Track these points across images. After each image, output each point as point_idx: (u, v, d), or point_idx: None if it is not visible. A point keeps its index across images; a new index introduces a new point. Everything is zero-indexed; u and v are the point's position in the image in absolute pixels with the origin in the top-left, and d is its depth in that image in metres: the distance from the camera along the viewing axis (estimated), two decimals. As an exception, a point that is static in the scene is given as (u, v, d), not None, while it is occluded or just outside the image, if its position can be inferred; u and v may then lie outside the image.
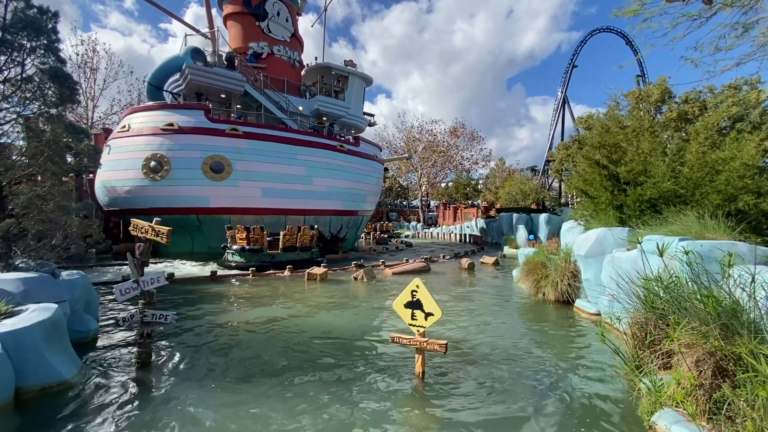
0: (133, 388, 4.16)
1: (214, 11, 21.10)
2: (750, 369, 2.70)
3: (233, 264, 13.85)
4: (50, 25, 6.98)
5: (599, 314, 7.07)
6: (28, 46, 6.81)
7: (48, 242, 7.13)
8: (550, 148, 49.09)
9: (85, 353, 5.14)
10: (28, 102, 7.07)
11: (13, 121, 7.17)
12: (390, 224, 24.24)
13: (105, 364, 4.83)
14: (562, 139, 44.10)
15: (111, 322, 6.78)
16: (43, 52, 6.92)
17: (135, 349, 4.80)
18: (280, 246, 14.47)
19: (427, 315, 4.27)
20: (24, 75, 6.88)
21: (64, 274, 6.15)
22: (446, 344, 4.17)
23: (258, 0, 21.64)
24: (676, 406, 3.17)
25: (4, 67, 6.72)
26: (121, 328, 6.34)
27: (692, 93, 17.73)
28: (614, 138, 9.33)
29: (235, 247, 14.17)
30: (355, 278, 11.71)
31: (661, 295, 4.03)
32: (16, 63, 6.77)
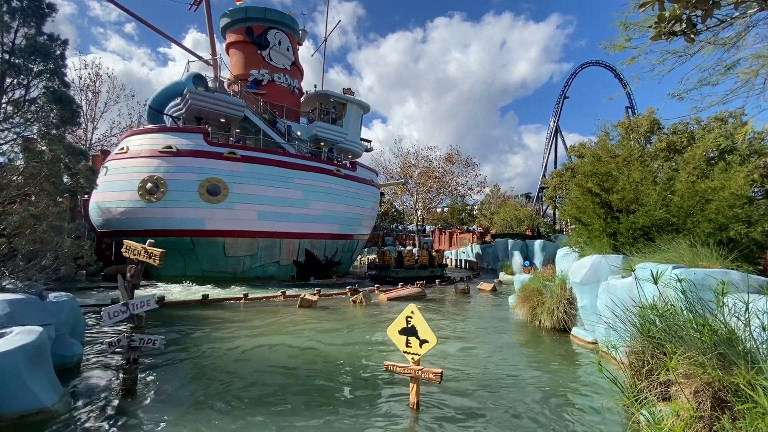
0: (115, 417, 4.00)
1: (216, 39, 21.79)
2: (749, 400, 2.67)
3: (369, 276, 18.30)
4: (58, 52, 7.18)
5: (596, 342, 6.98)
6: (35, 69, 6.96)
7: (38, 263, 7.01)
8: (543, 175, 49.79)
9: (68, 379, 4.96)
10: (29, 123, 7.15)
11: (13, 142, 7.23)
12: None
13: (88, 391, 4.66)
14: (555, 167, 44.84)
15: (97, 346, 6.58)
16: (48, 75, 7.07)
17: (120, 375, 4.64)
18: (404, 264, 17.82)
19: (422, 342, 4.19)
20: (28, 97, 6.99)
21: (52, 296, 6.01)
22: (441, 373, 4.07)
23: (260, 30, 22.43)
24: (676, 440, 3.09)
25: (8, 89, 6.84)
26: (107, 353, 6.14)
27: (680, 124, 18.31)
28: (605, 167, 9.51)
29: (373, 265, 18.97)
30: (354, 302, 11.58)
31: (657, 323, 4.01)
32: (21, 85, 6.89)
